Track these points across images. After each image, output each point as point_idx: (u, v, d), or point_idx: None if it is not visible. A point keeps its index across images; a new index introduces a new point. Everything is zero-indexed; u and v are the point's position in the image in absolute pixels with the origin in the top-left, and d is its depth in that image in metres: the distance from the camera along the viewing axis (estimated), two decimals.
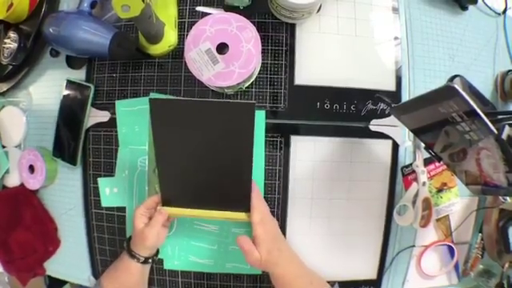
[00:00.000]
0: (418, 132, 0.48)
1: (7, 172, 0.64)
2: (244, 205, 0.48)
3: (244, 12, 0.56)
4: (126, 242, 0.53)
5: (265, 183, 0.57)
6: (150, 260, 0.53)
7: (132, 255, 0.51)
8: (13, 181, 0.64)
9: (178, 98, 0.56)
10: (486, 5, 0.63)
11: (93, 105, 0.59)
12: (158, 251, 0.55)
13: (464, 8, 0.62)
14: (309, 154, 0.57)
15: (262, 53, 0.55)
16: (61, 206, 0.63)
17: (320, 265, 0.56)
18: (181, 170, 0.48)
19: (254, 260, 0.47)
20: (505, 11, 0.65)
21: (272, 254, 0.47)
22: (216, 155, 0.46)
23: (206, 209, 0.49)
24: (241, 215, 0.49)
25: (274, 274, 0.49)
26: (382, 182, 0.58)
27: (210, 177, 0.48)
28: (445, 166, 0.57)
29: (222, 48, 0.50)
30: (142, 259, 0.51)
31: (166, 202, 0.50)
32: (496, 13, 0.65)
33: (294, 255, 0.52)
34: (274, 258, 0.48)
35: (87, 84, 0.59)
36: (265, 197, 0.56)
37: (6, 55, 0.61)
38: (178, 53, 0.58)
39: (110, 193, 0.59)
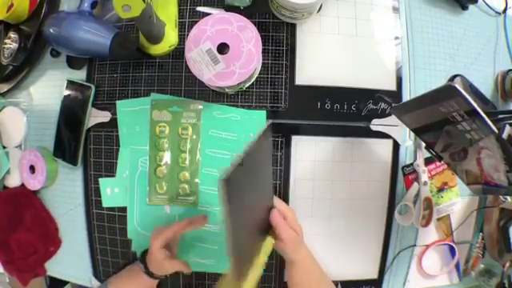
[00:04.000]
0: (418, 131, 0.48)
1: (8, 172, 0.64)
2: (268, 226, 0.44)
3: (244, 12, 0.56)
4: (140, 257, 0.54)
5: None
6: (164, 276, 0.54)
7: (149, 273, 0.52)
8: (13, 181, 0.64)
9: (240, 158, 0.34)
10: (487, 4, 0.63)
11: (93, 105, 0.59)
12: None
13: (464, 7, 0.62)
14: (309, 153, 0.57)
15: (263, 53, 0.55)
16: (62, 206, 0.63)
17: (321, 264, 0.56)
18: (247, 229, 0.38)
19: (290, 235, 0.44)
20: (505, 10, 0.65)
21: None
22: (261, 193, 0.41)
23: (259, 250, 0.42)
24: (271, 239, 0.44)
25: (296, 260, 0.48)
26: (383, 182, 0.58)
27: (260, 214, 0.43)
28: (445, 166, 0.57)
29: (222, 48, 0.50)
30: (158, 276, 0.53)
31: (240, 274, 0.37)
32: (496, 12, 0.65)
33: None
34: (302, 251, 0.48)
35: (88, 84, 0.59)
36: None
37: (6, 55, 0.61)
38: (178, 53, 0.58)
39: (110, 193, 0.59)
